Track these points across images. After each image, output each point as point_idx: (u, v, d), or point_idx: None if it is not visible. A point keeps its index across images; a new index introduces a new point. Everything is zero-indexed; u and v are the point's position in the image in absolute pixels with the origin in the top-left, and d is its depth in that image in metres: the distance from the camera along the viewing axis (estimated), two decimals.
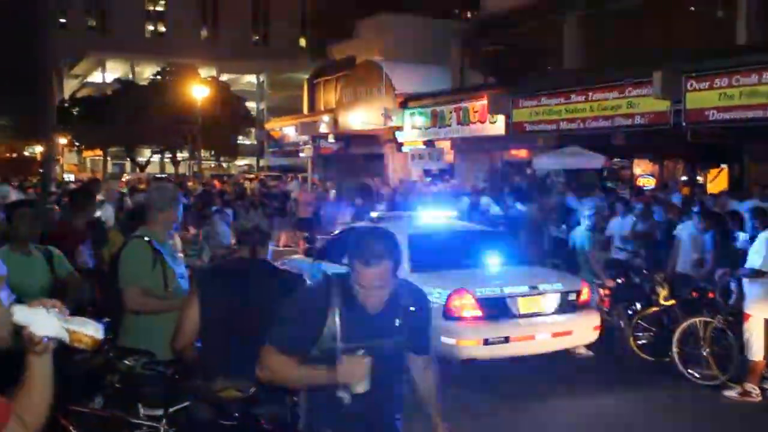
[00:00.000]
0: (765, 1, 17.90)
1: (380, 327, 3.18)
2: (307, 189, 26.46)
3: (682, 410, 8.05)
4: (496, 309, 8.25)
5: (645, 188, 18.43)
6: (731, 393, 8.12)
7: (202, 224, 12.76)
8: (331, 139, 33.16)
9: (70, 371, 3.86)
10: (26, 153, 52.81)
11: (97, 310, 5.04)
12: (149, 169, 52.59)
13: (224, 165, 59.49)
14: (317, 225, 16.69)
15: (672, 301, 9.31)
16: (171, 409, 4.32)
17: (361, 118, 29.83)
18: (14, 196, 16.74)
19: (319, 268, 9.98)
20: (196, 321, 3.93)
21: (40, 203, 10.01)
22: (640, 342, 9.49)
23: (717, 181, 19.04)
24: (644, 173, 20.92)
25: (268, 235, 4.09)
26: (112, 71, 62.30)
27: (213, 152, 52.41)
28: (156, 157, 55.23)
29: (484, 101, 22.63)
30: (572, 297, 8.78)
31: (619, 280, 10.29)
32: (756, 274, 7.85)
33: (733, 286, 8.57)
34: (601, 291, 10.08)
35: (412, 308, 3.30)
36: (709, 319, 8.58)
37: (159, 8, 72.76)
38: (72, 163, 58.43)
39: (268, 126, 45.84)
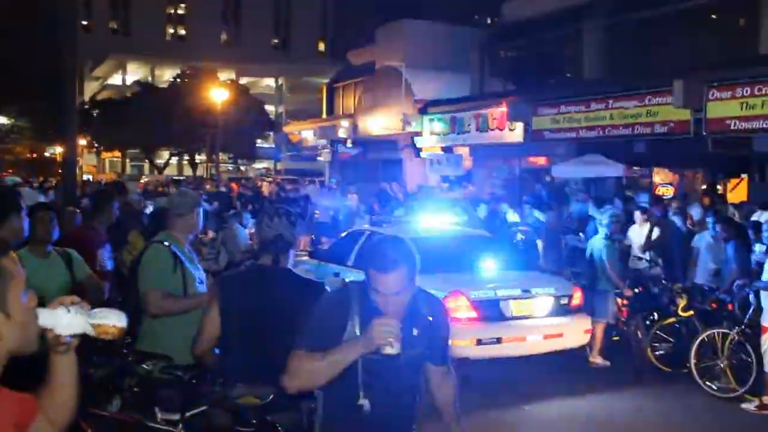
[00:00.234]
0: None
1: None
2: (326, 193, 26.51)
3: (698, 422, 8.00)
4: (490, 311, 8.59)
5: (664, 197, 18.31)
6: (749, 406, 8.07)
7: (220, 228, 12.80)
8: (349, 143, 33.23)
9: (88, 374, 3.89)
10: (46, 154, 53.15)
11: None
12: (167, 171, 52.89)
13: (242, 168, 59.69)
14: (335, 229, 16.69)
15: (690, 312, 9.26)
16: (188, 414, 4.33)
17: (380, 123, 29.86)
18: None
19: (326, 270, 10.32)
20: (217, 327, 3.94)
21: (60, 205, 10.07)
22: (657, 352, 9.45)
23: (737, 191, 18.90)
24: (664, 182, 20.80)
25: (292, 244, 4.08)
26: (132, 73, 62.73)
27: (231, 155, 52.60)
28: (174, 160, 55.52)
29: (504, 108, 22.59)
30: (564, 301, 9.10)
31: (637, 290, 10.24)
32: None
33: (752, 298, 8.51)
34: (619, 300, 10.03)
35: (430, 318, 3.29)
36: (727, 331, 8.53)
37: (180, 11, 73.12)
38: (91, 164, 58.79)
39: (286, 129, 45.95)
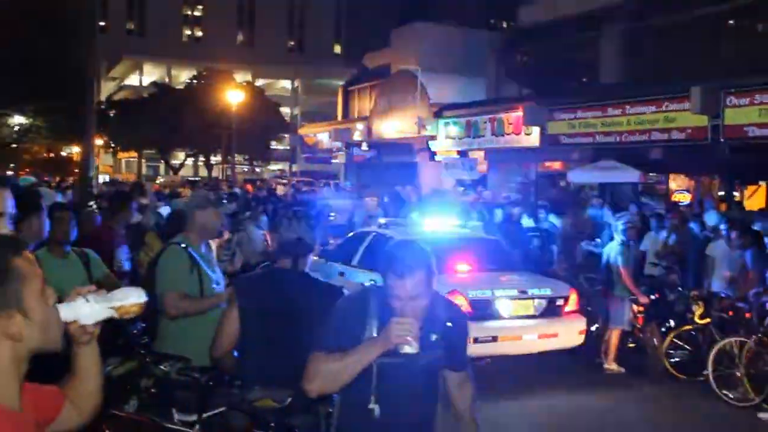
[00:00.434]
0: None
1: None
2: (341, 196, 26.52)
3: (715, 431, 7.94)
4: (487, 310, 8.79)
5: (680, 204, 18.22)
6: (766, 415, 8.00)
7: (236, 229, 12.79)
8: (364, 146, 33.24)
9: (105, 375, 3.89)
10: (63, 153, 53.40)
11: None
12: (183, 172, 53.07)
13: (257, 169, 59.84)
14: (351, 231, 16.64)
15: (707, 320, 9.19)
16: (205, 415, 4.33)
17: (395, 126, 29.87)
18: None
19: (331, 269, 10.65)
20: (236, 329, 3.95)
21: (79, 205, 10.12)
22: (673, 360, 9.39)
23: (755, 197, 18.78)
24: (680, 188, 20.69)
25: (311, 247, 4.09)
26: (148, 74, 62.99)
27: (246, 156, 52.74)
28: (190, 160, 55.74)
29: (519, 112, 22.55)
30: (560, 302, 9.26)
31: (653, 297, 10.17)
32: None
33: None
34: (635, 307, 9.97)
35: (449, 323, 3.28)
36: (744, 340, 8.46)
37: (196, 13, 73.44)
38: (107, 164, 59.10)
39: (301, 131, 46.06)
